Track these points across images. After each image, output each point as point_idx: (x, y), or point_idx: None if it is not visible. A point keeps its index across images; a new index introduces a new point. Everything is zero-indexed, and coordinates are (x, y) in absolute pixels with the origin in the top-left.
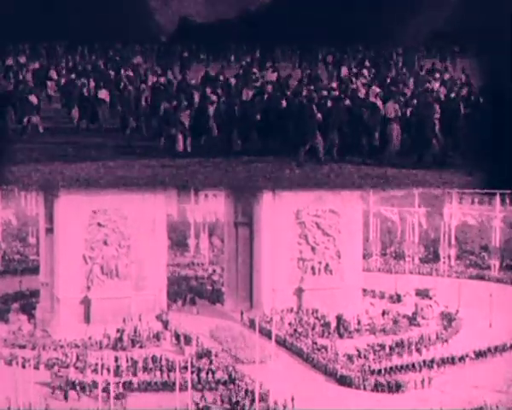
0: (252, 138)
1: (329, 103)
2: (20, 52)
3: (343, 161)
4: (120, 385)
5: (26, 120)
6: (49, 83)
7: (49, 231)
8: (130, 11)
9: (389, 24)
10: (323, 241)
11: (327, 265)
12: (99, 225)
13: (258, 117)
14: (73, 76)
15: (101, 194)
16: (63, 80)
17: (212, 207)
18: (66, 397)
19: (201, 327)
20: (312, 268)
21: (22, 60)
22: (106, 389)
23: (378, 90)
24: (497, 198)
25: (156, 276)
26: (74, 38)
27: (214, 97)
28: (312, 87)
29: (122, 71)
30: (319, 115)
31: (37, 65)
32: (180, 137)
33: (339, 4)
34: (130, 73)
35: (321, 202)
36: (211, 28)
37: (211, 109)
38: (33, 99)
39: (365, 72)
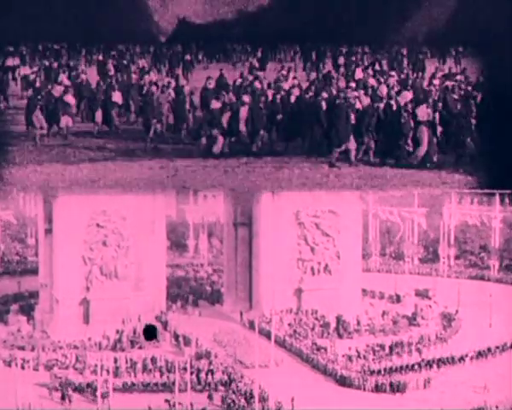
0: (274, 139)
1: (358, 105)
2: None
3: (378, 164)
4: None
5: (64, 121)
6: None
7: (48, 232)
8: (128, 12)
9: (389, 24)
10: (323, 241)
11: (326, 265)
12: (98, 226)
13: (280, 118)
14: (85, 78)
15: (100, 195)
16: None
17: (212, 207)
18: (63, 398)
19: (204, 330)
20: (312, 269)
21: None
22: (105, 390)
23: (410, 95)
24: (497, 198)
25: (155, 277)
26: (72, 40)
27: (247, 99)
28: (341, 89)
29: (146, 75)
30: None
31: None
32: (220, 138)
33: (339, 4)
34: (153, 77)
35: (320, 203)
36: (210, 29)
37: (243, 111)
38: (69, 99)
39: (394, 74)
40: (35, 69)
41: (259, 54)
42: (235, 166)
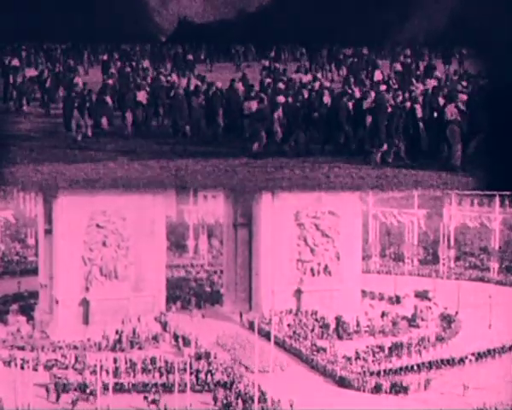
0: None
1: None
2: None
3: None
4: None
5: (104, 122)
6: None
7: (48, 232)
8: (128, 12)
9: (389, 24)
10: (322, 242)
11: (326, 266)
12: (98, 226)
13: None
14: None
15: (100, 195)
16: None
17: (211, 208)
18: (57, 399)
19: (205, 331)
20: (311, 270)
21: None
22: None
23: (465, 97)
24: (497, 200)
25: (155, 277)
26: (72, 40)
27: (282, 99)
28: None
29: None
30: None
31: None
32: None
33: (339, 4)
34: (174, 78)
35: (320, 204)
36: (210, 29)
37: (277, 111)
38: (108, 100)
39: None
40: (41, 68)
41: (273, 54)
42: (236, 167)
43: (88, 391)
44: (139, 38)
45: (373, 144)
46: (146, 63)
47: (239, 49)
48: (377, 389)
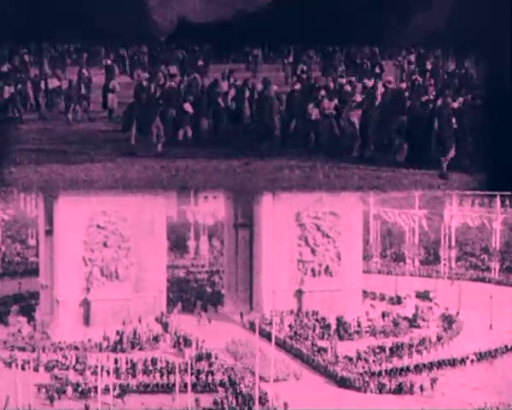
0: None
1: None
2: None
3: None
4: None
5: (181, 132)
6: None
7: (49, 232)
8: (128, 12)
9: (389, 24)
10: (323, 243)
11: (327, 267)
12: (98, 226)
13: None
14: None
15: (100, 196)
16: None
17: (212, 208)
18: (51, 401)
19: (216, 339)
20: (312, 270)
21: None
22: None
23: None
24: (498, 200)
25: (156, 278)
26: (72, 40)
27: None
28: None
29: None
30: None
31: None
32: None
33: (338, 4)
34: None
35: (321, 204)
36: (210, 29)
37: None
38: (188, 108)
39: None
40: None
41: (291, 57)
42: (236, 167)
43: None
44: (139, 38)
45: (438, 152)
46: (173, 69)
47: (251, 51)
48: (378, 389)
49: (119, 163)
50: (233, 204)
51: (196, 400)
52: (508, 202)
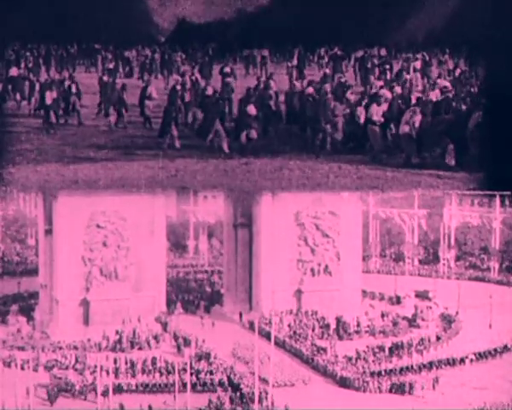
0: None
1: None
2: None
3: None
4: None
5: (244, 135)
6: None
7: (48, 232)
8: (128, 12)
9: (389, 24)
10: (323, 242)
11: (326, 266)
12: (98, 226)
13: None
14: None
15: (100, 195)
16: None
17: (212, 208)
18: (50, 401)
19: (223, 344)
20: (312, 270)
21: None
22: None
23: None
24: (497, 200)
25: (155, 278)
26: (72, 41)
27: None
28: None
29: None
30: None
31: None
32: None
33: (338, 4)
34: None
35: (320, 204)
36: (210, 29)
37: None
38: (252, 110)
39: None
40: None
41: (295, 59)
42: (236, 167)
43: (88, 391)
44: (139, 38)
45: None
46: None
47: (255, 53)
48: (377, 388)
49: (118, 163)
50: (232, 204)
51: None
52: (507, 202)
